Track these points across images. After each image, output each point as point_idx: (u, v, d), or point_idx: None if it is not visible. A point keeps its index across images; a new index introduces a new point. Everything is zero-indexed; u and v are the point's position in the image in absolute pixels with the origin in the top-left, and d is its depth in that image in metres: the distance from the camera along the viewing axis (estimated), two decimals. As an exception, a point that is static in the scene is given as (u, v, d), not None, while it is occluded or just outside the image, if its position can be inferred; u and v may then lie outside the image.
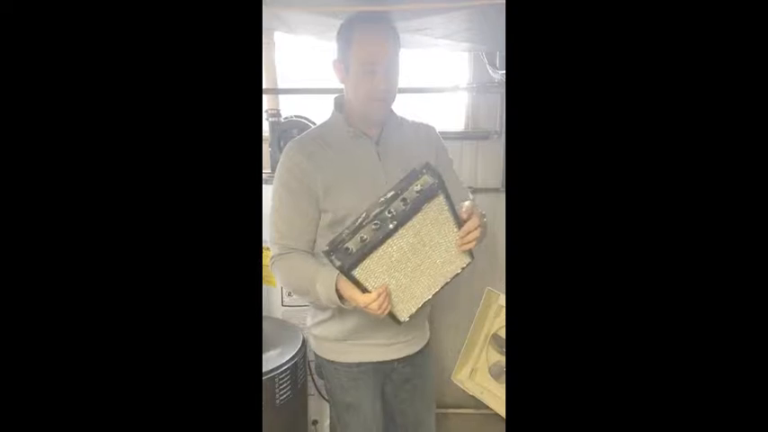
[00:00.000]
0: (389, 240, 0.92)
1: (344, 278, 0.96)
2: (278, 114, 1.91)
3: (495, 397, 1.87)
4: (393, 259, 0.95)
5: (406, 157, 1.17)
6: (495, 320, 1.94)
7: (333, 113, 1.19)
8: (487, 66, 1.89)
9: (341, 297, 1.02)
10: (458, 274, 1.06)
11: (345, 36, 1.09)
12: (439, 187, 0.91)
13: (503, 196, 2.02)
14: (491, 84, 1.94)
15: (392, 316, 1.05)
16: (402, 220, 0.91)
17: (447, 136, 1.36)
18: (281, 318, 1.90)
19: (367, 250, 0.91)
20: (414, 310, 1.06)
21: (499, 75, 1.86)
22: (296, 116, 1.89)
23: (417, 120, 1.26)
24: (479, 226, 1.00)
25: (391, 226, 0.90)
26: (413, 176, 0.91)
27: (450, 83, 2.07)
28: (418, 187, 0.91)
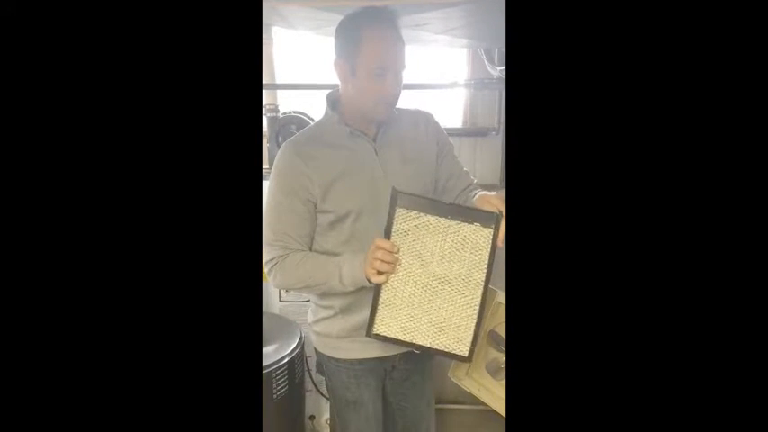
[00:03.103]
0: (436, 217, 0.99)
1: (369, 252, 1.01)
2: (276, 110, 1.91)
3: (491, 394, 1.87)
4: (426, 246, 1.00)
5: (404, 151, 1.17)
6: (493, 318, 1.94)
7: (326, 112, 1.17)
8: (486, 62, 1.89)
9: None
10: (443, 352, 1.05)
11: (351, 36, 1.05)
12: (497, 219, 0.98)
13: (501, 193, 2.02)
14: (489, 80, 1.94)
15: (371, 318, 1.06)
16: (453, 215, 0.99)
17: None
18: (278, 313, 1.91)
19: (418, 206, 0.99)
20: (389, 336, 1.06)
21: (497, 71, 1.86)
22: (294, 112, 1.89)
23: (413, 109, 1.25)
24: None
25: (446, 203, 1.00)
26: (488, 217, 0.99)
27: (448, 79, 2.06)
28: (480, 212, 1.00)
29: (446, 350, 1.05)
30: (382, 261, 1.00)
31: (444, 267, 1.01)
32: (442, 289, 1.02)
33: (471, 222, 0.98)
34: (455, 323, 1.03)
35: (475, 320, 1.03)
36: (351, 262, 1.06)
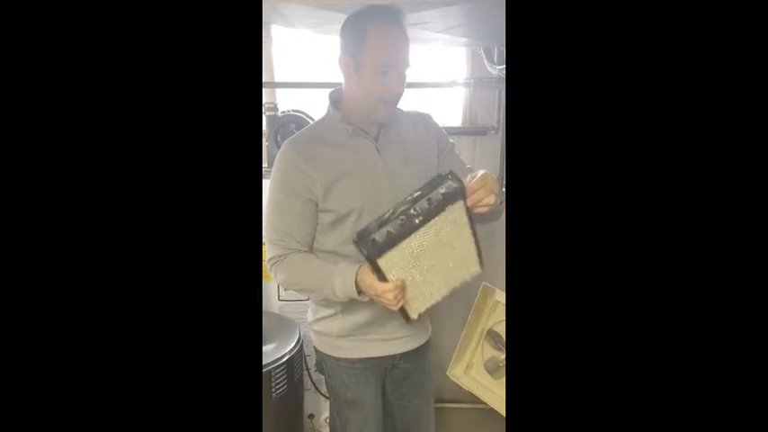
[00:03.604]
0: (413, 235, 0.99)
1: (363, 271, 1.02)
2: (275, 108, 1.90)
3: (490, 392, 1.87)
4: (413, 254, 1.02)
5: (405, 151, 1.17)
6: (491, 316, 1.94)
7: (328, 110, 1.17)
8: (485, 61, 1.88)
9: (359, 290, 1.05)
10: (466, 281, 1.10)
11: (357, 33, 1.05)
12: (461, 192, 0.98)
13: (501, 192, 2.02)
14: (489, 79, 1.94)
15: (403, 311, 1.10)
16: (426, 218, 0.98)
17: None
18: (277, 312, 1.90)
19: (392, 242, 0.98)
20: (423, 309, 1.11)
21: (497, 70, 1.86)
22: (293, 110, 1.88)
23: (412, 110, 1.25)
24: (483, 186, 1.00)
25: (417, 221, 0.97)
26: (438, 181, 0.99)
27: (447, 78, 2.06)
28: (443, 190, 0.98)
29: (467, 279, 1.10)
30: (392, 300, 1.01)
31: (438, 252, 1.04)
32: (443, 262, 1.06)
33: (443, 210, 0.99)
34: (462, 262, 1.08)
35: (474, 245, 1.07)
36: (343, 275, 1.06)
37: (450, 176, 0.99)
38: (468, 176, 1.02)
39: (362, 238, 0.98)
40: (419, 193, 0.99)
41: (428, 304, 1.11)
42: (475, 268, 1.11)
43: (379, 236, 0.97)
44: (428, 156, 1.21)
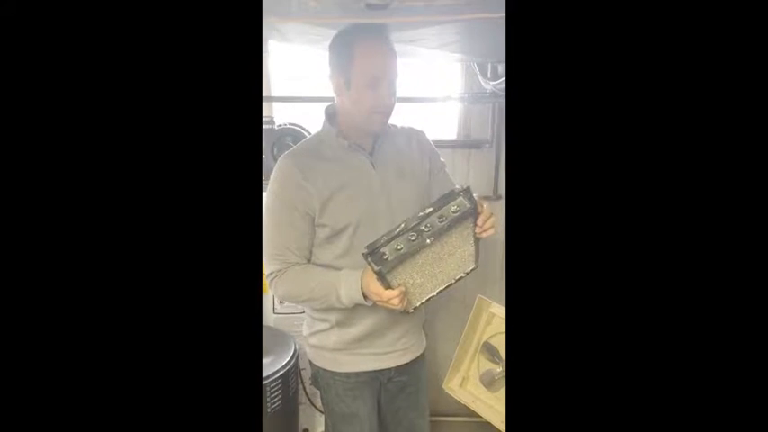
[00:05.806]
0: (422, 251, 1.02)
1: (367, 277, 1.04)
2: (272, 122, 1.91)
3: (486, 405, 1.86)
4: (418, 263, 1.05)
5: (399, 166, 1.18)
6: (487, 329, 1.94)
7: (324, 125, 1.19)
8: (479, 76, 1.91)
9: (364, 295, 1.07)
10: (461, 278, 1.12)
11: (343, 50, 1.08)
12: (473, 211, 1.01)
13: (494, 204, 2.04)
14: (483, 94, 1.96)
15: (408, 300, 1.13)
16: (437, 237, 1.00)
17: (439, 145, 1.37)
18: (272, 325, 1.90)
19: (402, 258, 1.00)
20: (418, 303, 1.13)
21: (491, 85, 1.88)
22: (290, 124, 1.90)
23: (406, 126, 1.27)
24: (492, 214, 1.05)
25: (428, 241, 0.99)
26: (450, 197, 1.01)
27: (442, 93, 2.09)
28: (455, 207, 1.00)
29: (462, 275, 1.11)
30: (398, 304, 1.03)
31: (441, 260, 1.07)
32: (443, 266, 1.08)
33: (454, 228, 1.01)
34: (460, 262, 1.11)
35: (473, 247, 1.08)
36: (347, 281, 1.07)
37: (462, 193, 1.01)
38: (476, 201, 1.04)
39: (374, 253, 0.99)
40: (431, 209, 1.00)
41: (422, 299, 1.13)
42: (470, 265, 1.12)
43: (388, 251, 0.99)
44: (421, 171, 1.23)
